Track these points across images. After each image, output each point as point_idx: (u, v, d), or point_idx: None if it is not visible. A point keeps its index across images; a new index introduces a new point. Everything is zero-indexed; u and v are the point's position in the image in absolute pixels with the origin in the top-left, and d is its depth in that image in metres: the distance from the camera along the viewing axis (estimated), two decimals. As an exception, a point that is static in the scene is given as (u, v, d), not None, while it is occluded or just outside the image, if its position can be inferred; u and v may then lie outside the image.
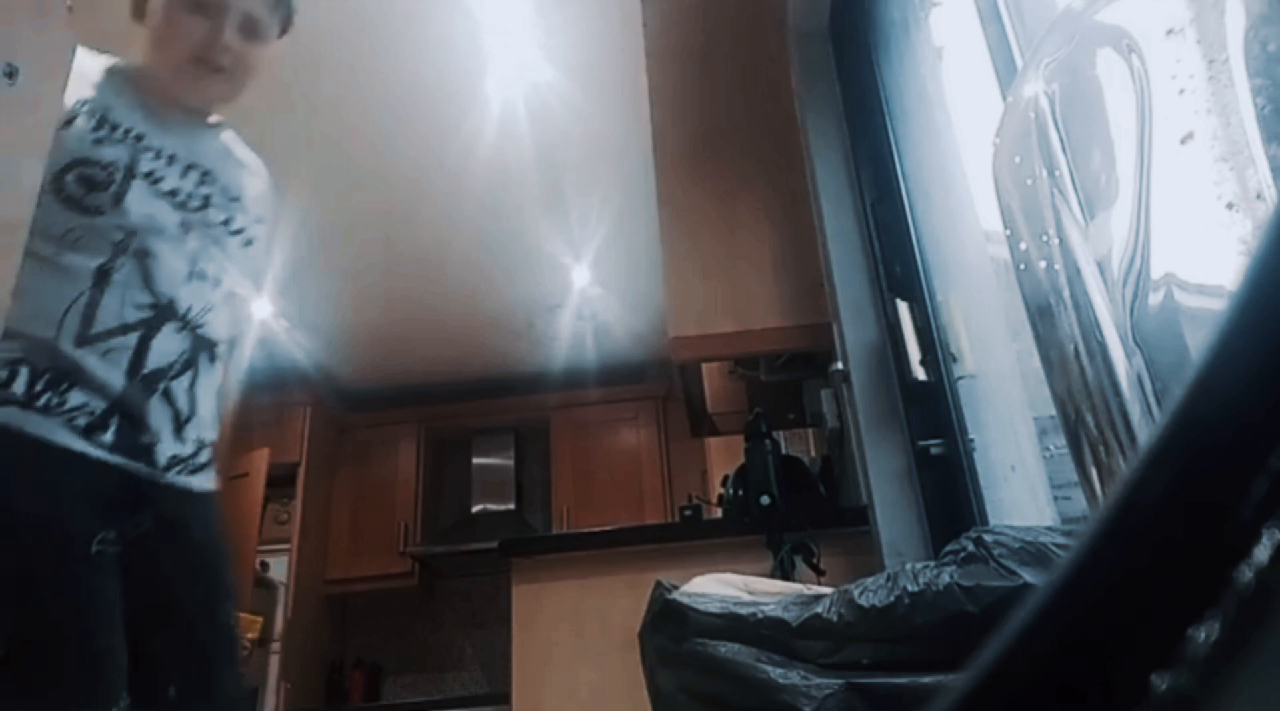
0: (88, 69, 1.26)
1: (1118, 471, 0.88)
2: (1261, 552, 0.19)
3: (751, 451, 2.37)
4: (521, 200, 3.99)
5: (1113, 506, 0.21)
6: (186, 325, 1.19)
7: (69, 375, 1.06)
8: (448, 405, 5.68)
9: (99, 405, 1.07)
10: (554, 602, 2.14)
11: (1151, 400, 0.77)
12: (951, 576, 1.13)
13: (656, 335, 4.69)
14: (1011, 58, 1.44)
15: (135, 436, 1.10)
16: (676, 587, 1.43)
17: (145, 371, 1.12)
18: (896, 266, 2.05)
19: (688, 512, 2.56)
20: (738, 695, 1.21)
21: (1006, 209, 1.03)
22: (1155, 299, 0.77)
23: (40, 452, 1.01)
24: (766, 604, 1.29)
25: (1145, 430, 0.80)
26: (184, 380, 1.17)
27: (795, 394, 2.81)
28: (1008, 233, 1.04)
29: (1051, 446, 1.64)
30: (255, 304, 4.61)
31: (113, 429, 1.08)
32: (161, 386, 1.14)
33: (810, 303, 2.34)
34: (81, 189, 1.15)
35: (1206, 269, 0.73)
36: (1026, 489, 1.70)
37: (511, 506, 5.61)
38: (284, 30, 1.40)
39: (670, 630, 1.32)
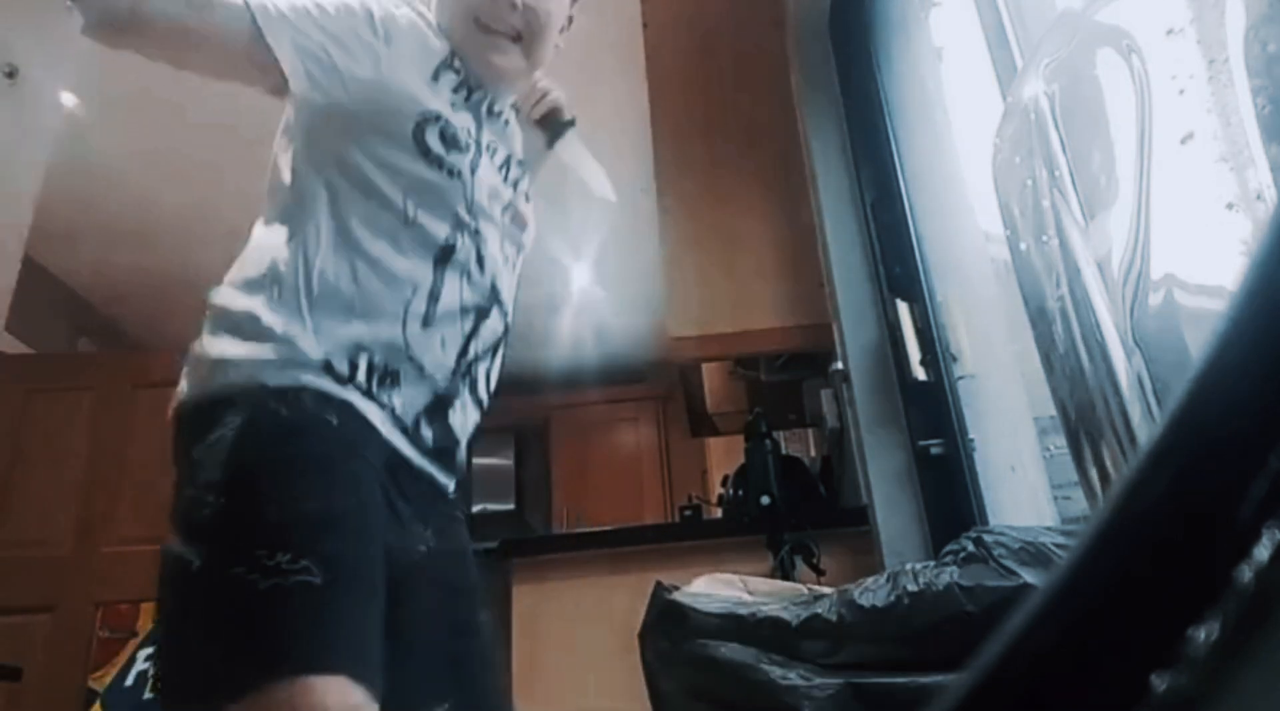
0: (423, 15, 1.16)
1: (1118, 471, 0.88)
2: (1261, 552, 0.19)
3: (751, 451, 2.37)
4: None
5: (1113, 506, 0.21)
6: (503, 311, 1.12)
7: (402, 369, 1.00)
8: (448, 405, 5.68)
9: (420, 404, 1.02)
10: (554, 602, 2.14)
11: (1151, 400, 0.77)
12: (951, 576, 1.13)
13: (656, 335, 4.69)
14: (1011, 58, 1.45)
15: (441, 443, 1.06)
16: (677, 588, 1.43)
17: (469, 358, 1.07)
18: (896, 266, 2.05)
19: (688, 512, 2.56)
20: (738, 695, 1.21)
21: (1006, 209, 1.03)
22: (1155, 299, 0.77)
23: (370, 434, 0.98)
24: (766, 604, 1.29)
25: (1145, 430, 0.80)
26: (488, 366, 1.11)
27: (795, 394, 2.81)
28: (1008, 233, 1.05)
29: (1051, 446, 1.64)
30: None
31: (426, 434, 1.03)
32: (475, 372, 1.09)
33: (810, 303, 2.34)
34: (443, 146, 1.07)
35: (1206, 269, 0.73)
36: (1026, 489, 1.70)
37: (511, 506, 5.62)
38: None
39: (670, 631, 1.32)
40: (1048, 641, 0.21)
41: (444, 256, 1.04)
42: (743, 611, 1.27)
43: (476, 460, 5.72)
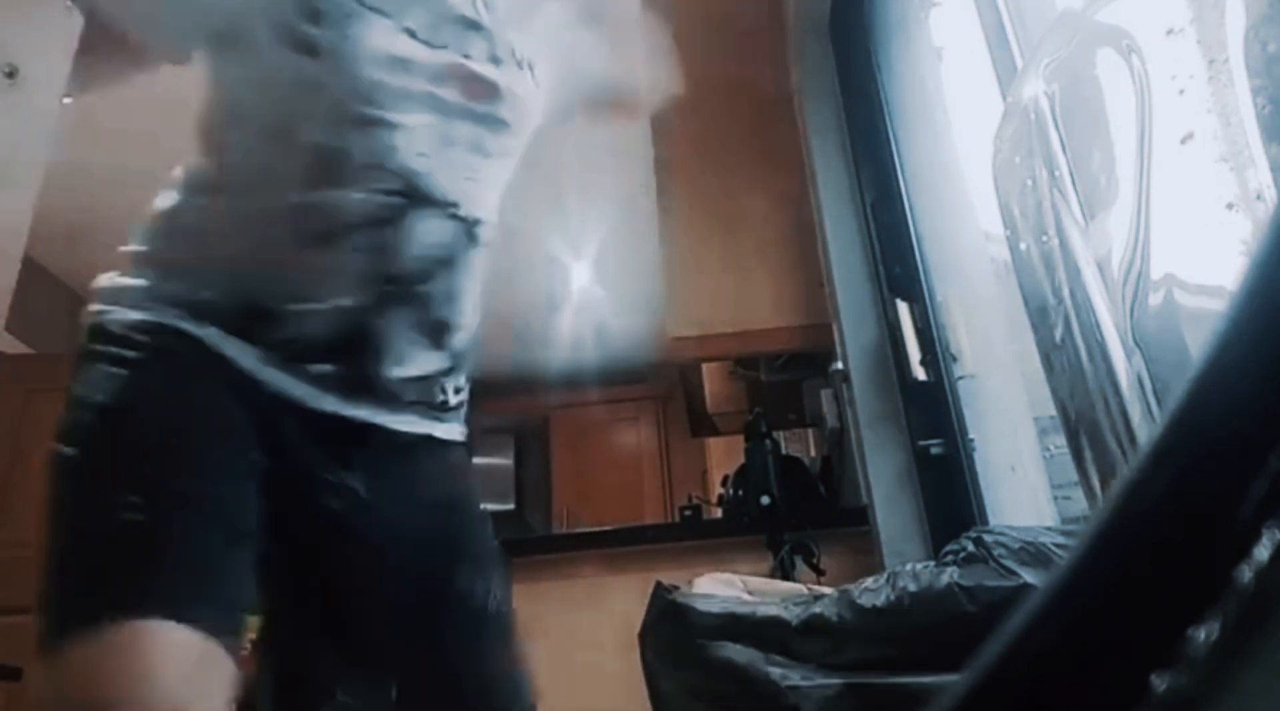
0: None
1: (1118, 471, 0.88)
2: (1261, 552, 0.19)
3: (751, 451, 2.37)
4: (521, 199, 3.98)
5: (1113, 506, 0.21)
6: (448, 209, 0.91)
7: (277, 307, 0.86)
8: (448, 405, 5.68)
9: (313, 338, 0.86)
10: (554, 602, 2.14)
11: (1151, 400, 0.77)
12: (951, 576, 1.13)
13: (656, 335, 4.70)
14: (1011, 58, 1.45)
15: (358, 368, 0.88)
16: (677, 588, 1.43)
17: (398, 275, 0.88)
18: (896, 266, 2.05)
19: (688, 512, 2.56)
20: (738, 695, 1.21)
21: (1006, 209, 1.03)
22: (1155, 299, 0.77)
23: (225, 370, 0.85)
24: (766, 604, 1.29)
25: (1145, 430, 0.80)
26: (441, 282, 0.92)
27: (795, 394, 2.81)
28: (1008, 233, 1.05)
29: (1051, 446, 1.64)
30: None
31: (324, 369, 0.87)
32: (418, 290, 0.90)
33: (810, 303, 2.34)
34: (312, 23, 0.86)
35: (1206, 269, 0.74)
36: (1026, 489, 1.70)
37: (511, 506, 5.61)
38: None
39: (671, 631, 1.32)
40: (1048, 641, 0.21)
41: (326, 165, 0.86)
42: (743, 611, 1.27)
43: (476, 460, 5.71)
